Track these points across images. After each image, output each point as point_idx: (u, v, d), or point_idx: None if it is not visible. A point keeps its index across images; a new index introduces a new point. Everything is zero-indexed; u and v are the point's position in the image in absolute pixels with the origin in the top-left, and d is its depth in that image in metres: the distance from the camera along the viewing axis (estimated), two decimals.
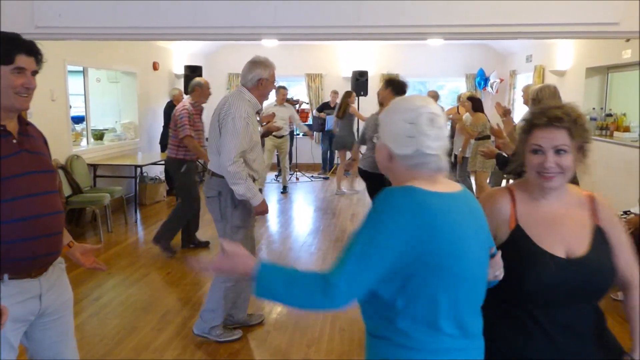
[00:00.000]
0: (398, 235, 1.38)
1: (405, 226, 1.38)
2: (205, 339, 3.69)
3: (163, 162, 7.73)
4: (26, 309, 1.98)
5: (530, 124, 1.68)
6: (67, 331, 2.18)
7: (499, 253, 1.61)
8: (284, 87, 8.95)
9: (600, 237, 1.69)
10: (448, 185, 1.52)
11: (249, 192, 3.39)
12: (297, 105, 10.48)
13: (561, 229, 1.68)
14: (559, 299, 1.65)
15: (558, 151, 1.63)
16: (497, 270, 1.59)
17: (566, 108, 1.67)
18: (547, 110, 1.66)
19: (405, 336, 1.45)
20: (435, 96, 9.01)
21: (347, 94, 9.02)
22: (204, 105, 5.76)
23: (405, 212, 1.39)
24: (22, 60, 1.90)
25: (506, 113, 5.81)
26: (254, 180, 3.49)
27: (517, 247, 1.69)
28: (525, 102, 5.91)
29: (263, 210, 3.55)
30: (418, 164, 1.48)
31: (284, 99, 8.76)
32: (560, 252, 1.66)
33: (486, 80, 11.29)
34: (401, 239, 1.38)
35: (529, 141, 1.67)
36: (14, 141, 1.94)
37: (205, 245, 5.96)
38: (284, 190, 9.24)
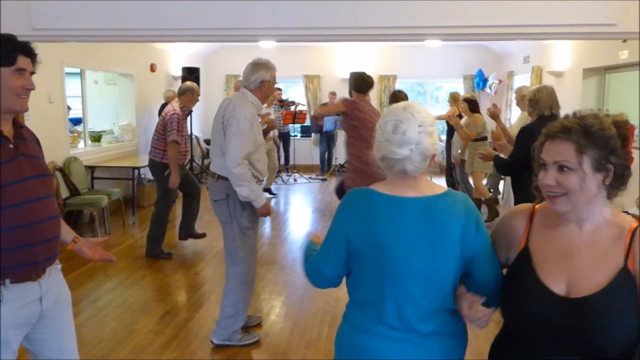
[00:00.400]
0: (344, 229, 1.65)
1: (348, 222, 1.64)
2: (224, 346, 3.64)
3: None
4: (28, 312, 1.98)
5: (545, 135, 1.46)
6: (68, 329, 2.19)
7: (488, 312, 1.59)
8: (278, 89, 8.92)
9: (623, 282, 1.36)
10: (417, 189, 1.62)
11: (253, 194, 3.38)
12: (293, 107, 10.46)
13: (573, 262, 1.43)
14: (548, 340, 1.42)
15: (561, 168, 1.40)
16: (474, 322, 1.60)
17: (586, 118, 1.41)
18: (564, 119, 1.44)
19: (352, 315, 1.71)
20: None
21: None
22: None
23: (350, 211, 1.66)
24: (22, 61, 1.90)
25: (494, 116, 5.80)
26: (258, 181, 3.49)
27: (517, 270, 1.53)
28: (518, 104, 5.90)
29: (266, 212, 3.54)
30: (387, 167, 1.63)
31: (272, 100, 8.70)
32: (559, 288, 1.42)
33: (485, 81, 11.31)
34: (345, 233, 1.64)
35: (540, 155, 1.47)
36: (11, 146, 1.92)
37: (202, 236, 5.99)
38: (271, 192, 9.02)
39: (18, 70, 1.89)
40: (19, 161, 1.93)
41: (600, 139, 1.37)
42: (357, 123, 4.91)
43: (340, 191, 5.28)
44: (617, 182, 1.41)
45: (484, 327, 1.63)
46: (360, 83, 5.05)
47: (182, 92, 5.58)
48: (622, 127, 1.41)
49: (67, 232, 2.22)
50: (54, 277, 2.11)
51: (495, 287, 1.60)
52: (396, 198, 1.61)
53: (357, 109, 4.93)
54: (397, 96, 5.22)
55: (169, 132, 5.34)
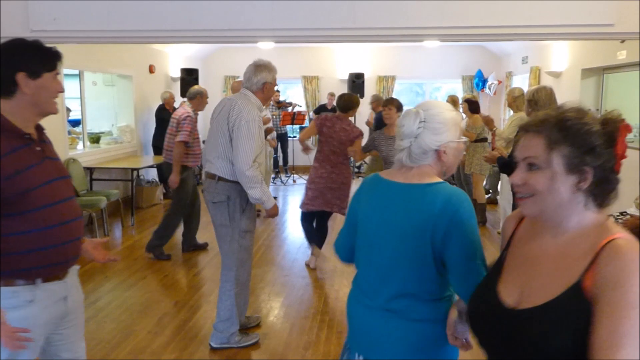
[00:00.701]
0: (353, 204, 1.90)
1: (354, 198, 1.90)
2: (221, 348, 3.63)
3: (158, 165, 7.74)
4: (55, 311, 2.02)
5: (521, 128, 1.31)
6: (81, 330, 2.23)
7: (465, 345, 1.65)
8: (276, 90, 8.93)
9: (570, 299, 1.15)
10: (406, 177, 1.73)
11: (264, 195, 3.38)
12: (291, 108, 10.45)
13: (533, 272, 1.27)
14: (493, 349, 1.30)
15: (530, 165, 1.23)
16: (457, 346, 1.68)
17: (566, 111, 1.23)
18: (544, 111, 1.28)
19: (353, 282, 1.91)
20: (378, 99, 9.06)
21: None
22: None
23: (357, 192, 1.90)
24: (58, 66, 1.97)
25: (487, 121, 5.78)
26: None
27: (487, 276, 1.43)
28: (510, 105, 5.90)
29: (274, 212, 3.55)
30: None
31: (270, 102, 8.69)
32: (512, 298, 1.27)
33: (484, 81, 11.31)
34: (351, 207, 1.90)
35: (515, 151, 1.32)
36: (38, 149, 1.96)
37: (204, 247, 5.96)
38: None
39: (56, 75, 1.95)
40: (46, 164, 1.97)
41: (576, 134, 1.18)
42: (322, 138, 5.17)
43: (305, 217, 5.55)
44: (599, 187, 1.21)
45: (466, 350, 1.69)
46: (341, 103, 5.24)
47: (192, 96, 5.69)
48: (609, 125, 1.20)
49: None
50: (74, 277, 2.16)
51: (467, 288, 1.56)
52: (386, 181, 1.78)
53: (325, 125, 5.13)
54: (391, 102, 5.23)
55: (180, 132, 5.41)
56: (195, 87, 5.85)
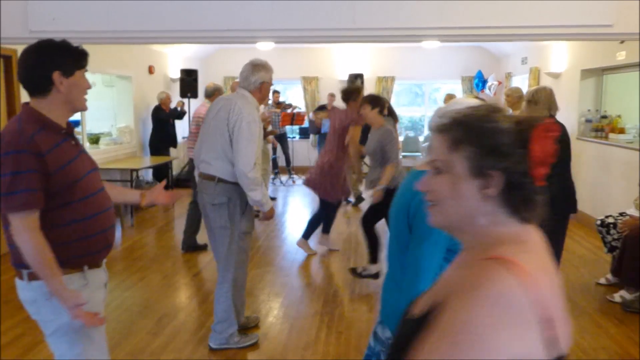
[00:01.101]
0: None
1: None
2: (220, 349, 3.62)
3: (155, 166, 7.74)
4: (100, 297, 2.18)
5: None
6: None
7: None
8: (276, 91, 8.92)
9: (430, 316, 0.99)
10: (422, 165, 1.86)
11: (264, 197, 3.37)
12: (290, 109, 10.44)
13: (439, 285, 1.12)
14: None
15: (436, 169, 1.07)
16: None
17: (475, 108, 1.07)
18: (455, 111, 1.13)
19: None
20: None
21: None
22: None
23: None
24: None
25: None
26: None
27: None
28: (510, 105, 5.90)
29: (271, 215, 3.54)
30: None
31: (267, 102, 8.64)
32: (419, 307, 1.10)
33: (484, 82, 11.31)
34: None
35: None
36: (73, 142, 2.07)
37: (203, 247, 5.95)
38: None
39: (85, 72, 2.06)
40: (83, 157, 2.10)
41: (479, 133, 1.02)
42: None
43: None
44: (512, 195, 1.01)
45: None
46: (342, 95, 5.55)
47: (211, 93, 5.90)
48: (524, 123, 1.02)
49: (132, 193, 2.53)
50: (104, 266, 2.27)
51: (411, 270, 1.72)
52: (412, 170, 1.96)
53: (330, 115, 5.56)
54: (363, 102, 5.19)
55: None
56: (211, 84, 6.06)
